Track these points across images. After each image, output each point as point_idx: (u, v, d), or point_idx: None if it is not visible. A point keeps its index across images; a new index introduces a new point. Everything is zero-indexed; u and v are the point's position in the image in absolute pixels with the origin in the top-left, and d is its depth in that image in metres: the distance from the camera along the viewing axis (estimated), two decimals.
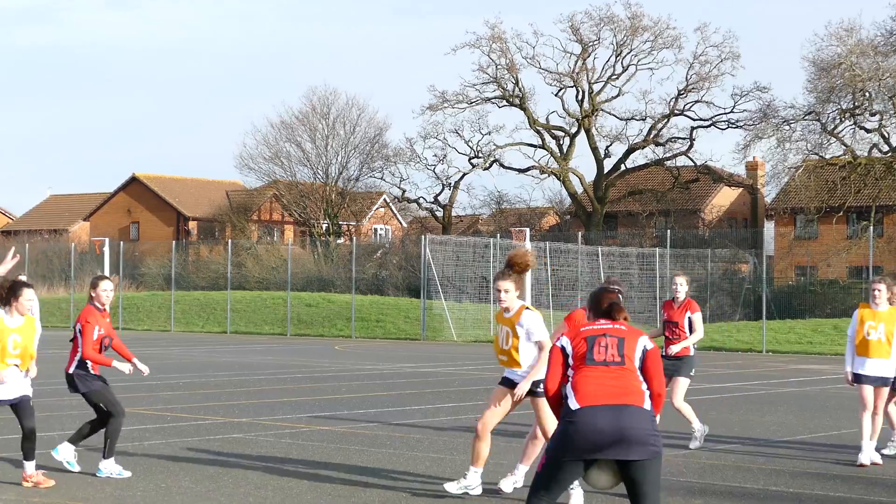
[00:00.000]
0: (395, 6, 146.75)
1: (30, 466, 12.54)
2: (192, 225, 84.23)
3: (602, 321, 8.61)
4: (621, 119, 71.56)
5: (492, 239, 51.07)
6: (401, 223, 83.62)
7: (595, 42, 70.13)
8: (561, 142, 72.68)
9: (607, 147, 71.94)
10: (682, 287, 16.13)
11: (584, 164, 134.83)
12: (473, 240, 53.70)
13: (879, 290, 14.70)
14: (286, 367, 31.53)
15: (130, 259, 66.50)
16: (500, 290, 11.91)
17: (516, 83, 71.26)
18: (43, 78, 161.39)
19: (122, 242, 62.70)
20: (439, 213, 75.41)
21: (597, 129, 71.57)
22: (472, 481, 12.02)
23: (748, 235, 64.92)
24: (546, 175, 72.33)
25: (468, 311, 48.69)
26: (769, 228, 70.43)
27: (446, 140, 73.05)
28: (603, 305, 8.71)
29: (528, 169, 72.72)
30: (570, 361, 8.37)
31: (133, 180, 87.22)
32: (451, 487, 12.09)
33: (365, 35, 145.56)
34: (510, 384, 11.94)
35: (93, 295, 13.25)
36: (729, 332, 45.55)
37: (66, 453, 13.25)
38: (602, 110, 71.59)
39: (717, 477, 13.55)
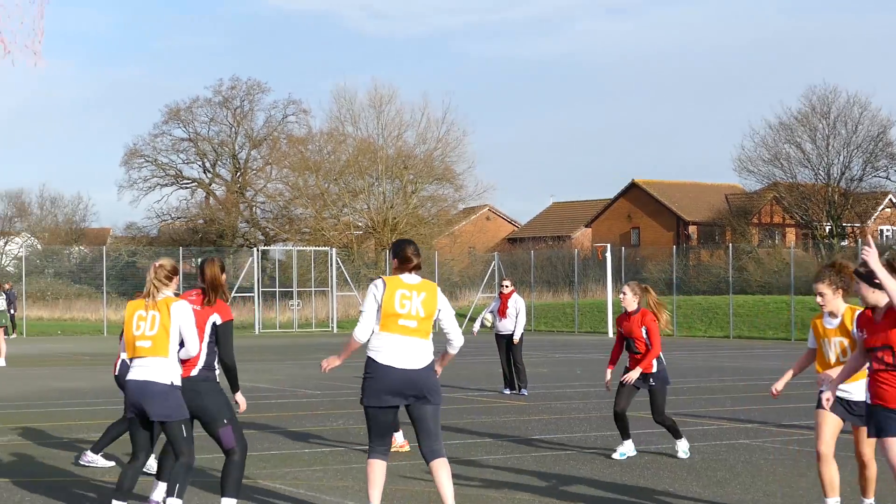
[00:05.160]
0: None
1: None
2: (692, 229, 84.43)
3: None
4: None
5: None
6: None
7: None
8: None
9: None
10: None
11: None
12: None
13: None
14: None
15: (632, 264, 67.38)
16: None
17: None
18: (546, 88, 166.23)
19: (622, 248, 63.64)
20: None
21: None
22: None
23: None
24: None
25: None
26: None
27: None
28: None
29: None
30: None
31: (632, 186, 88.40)
32: None
33: (867, 29, 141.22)
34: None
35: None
36: None
37: None
38: None
39: None
